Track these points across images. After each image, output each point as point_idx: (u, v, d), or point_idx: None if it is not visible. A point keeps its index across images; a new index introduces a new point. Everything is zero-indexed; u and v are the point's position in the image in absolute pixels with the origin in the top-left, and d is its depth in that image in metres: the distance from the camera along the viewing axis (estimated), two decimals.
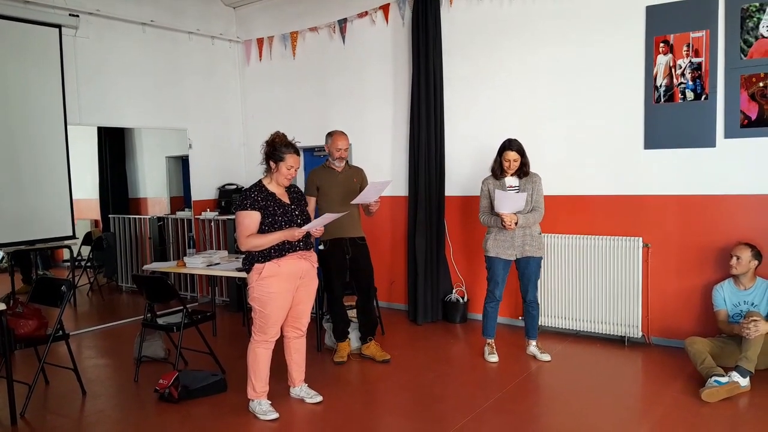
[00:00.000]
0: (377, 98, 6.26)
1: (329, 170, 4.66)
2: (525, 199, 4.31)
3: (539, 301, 4.71)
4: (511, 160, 4.35)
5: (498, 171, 4.45)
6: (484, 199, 4.51)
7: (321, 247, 4.59)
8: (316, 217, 4.07)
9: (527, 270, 4.50)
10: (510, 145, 4.36)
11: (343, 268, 4.63)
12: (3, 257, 6.10)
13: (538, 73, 5.22)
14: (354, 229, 4.64)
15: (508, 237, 4.43)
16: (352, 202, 4.46)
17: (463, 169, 5.70)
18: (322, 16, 6.54)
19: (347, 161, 4.72)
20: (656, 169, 4.74)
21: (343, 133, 4.65)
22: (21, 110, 5.45)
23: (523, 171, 4.40)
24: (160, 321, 4.51)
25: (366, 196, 4.42)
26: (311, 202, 4.59)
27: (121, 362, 4.89)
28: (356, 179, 4.69)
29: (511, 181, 4.44)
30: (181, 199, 7.37)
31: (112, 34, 6.13)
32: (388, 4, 5.97)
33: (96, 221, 7.68)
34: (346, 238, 4.59)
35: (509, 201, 4.27)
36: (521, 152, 4.36)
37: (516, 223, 4.30)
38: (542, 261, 4.59)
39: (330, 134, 4.64)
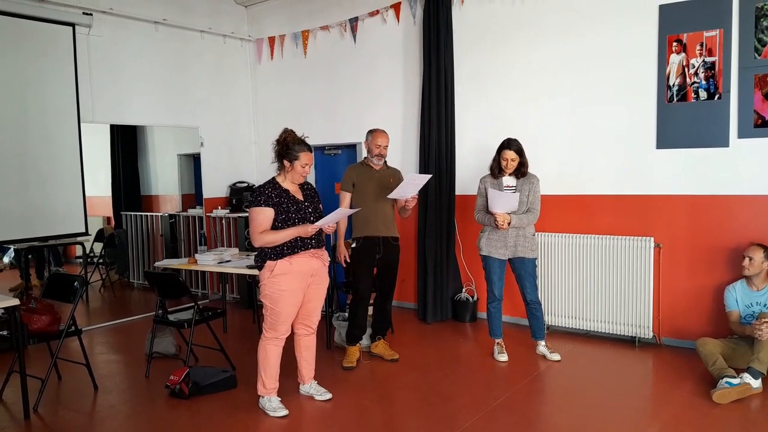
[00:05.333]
0: (388, 97, 6.26)
1: (367, 167, 4.60)
2: (518, 200, 4.30)
3: (541, 301, 4.67)
4: (508, 159, 4.34)
5: (496, 170, 4.45)
6: (480, 198, 4.51)
7: (354, 245, 4.54)
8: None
9: (522, 271, 4.49)
10: (509, 144, 4.36)
11: (371, 267, 4.56)
12: (13, 255, 6.16)
13: (550, 72, 5.20)
14: (387, 228, 4.55)
15: (501, 236, 4.43)
16: (389, 196, 4.36)
17: (474, 167, 5.68)
18: (334, 14, 6.55)
19: (386, 161, 4.64)
20: (668, 169, 4.71)
21: (383, 131, 4.57)
22: (35, 108, 5.50)
23: (520, 171, 4.39)
24: (171, 317, 4.54)
25: (403, 191, 4.31)
26: (346, 198, 4.54)
27: (132, 358, 4.93)
28: (393, 179, 4.58)
29: (508, 180, 4.43)
30: (193, 196, 7.42)
31: (124, 33, 6.17)
32: (400, 2, 5.97)
33: (108, 218, 7.75)
34: (379, 237, 4.51)
35: (503, 201, 4.27)
36: (520, 152, 4.35)
37: (509, 223, 4.30)
38: (537, 261, 4.57)
39: (371, 131, 4.57)
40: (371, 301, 4.76)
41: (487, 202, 4.42)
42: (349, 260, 4.57)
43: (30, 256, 6.43)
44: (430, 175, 4.63)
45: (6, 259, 6.83)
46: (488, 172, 4.52)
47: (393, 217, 4.63)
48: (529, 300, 4.55)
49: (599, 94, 4.97)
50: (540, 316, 4.60)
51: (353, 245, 4.55)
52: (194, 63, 6.82)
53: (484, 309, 4.80)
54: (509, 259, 4.50)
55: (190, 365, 4.27)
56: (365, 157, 4.67)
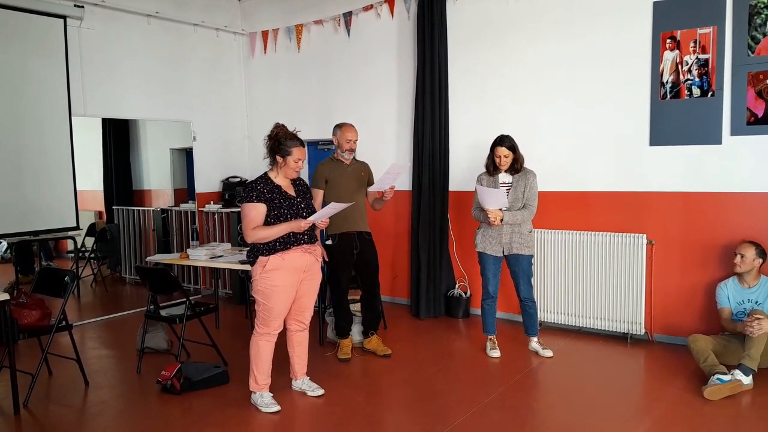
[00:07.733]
0: (381, 92, 6.24)
1: (338, 163, 4.57)
2: (505, 195, 4.30)
3: (535, 298, 4.68)
4: (501, 156, 4.34)
5: (491, 167, 4.45)
6: (477, 195, 4.51)
7: (328, 242, 4.52)
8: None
9: (516, 268, 4.49)
10: (501, 141, 4.36)
11: (350, 263, 4.56)
12: (5, 248, 6.13)
13: (544, 68, 5.19)
14: (362, 223, 4.55)
15: (496, 233, 4.42)
16: (370, 189, 4.33)
17: (467, 163, 5.69)
18: (328, 9, 6.52)
19: (354, 155, 4.66)
20: (661, 166, 4.72)
21: (352, 125, 4.56)
22: (26, 101, 5.45)
23: (515, 168, 4.39)
24: (163, 313, 4.52)
25: (383, 182, 4.30)
26: (318, 195, 4.50)
27: (123, 353, 4.91)
28: (364, 173, 4.61)
29: (504, 177, 4.43)
30: (185, 191, 7.39)
31: (116, 26, 6.12)
32: None
33: (100, 213, 7.71)
34: (354, 232, 4.51)
35: (490, 197, 4.26)
36: (513, 149, 4.35)
37: (501, 220, 4.29)
38: (533, 259, 4.57)
39: (339, 126, 4.56)
40: (357, 298, 4.76)
41: None
42: (327, 259, 4.53)
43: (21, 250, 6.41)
44: (408, 164, 4.59)
45: None
46: (484, 170, 4.52)
47: (365, 211, 4.62)
48: (523, 297, 4.55)
49: (592, 90, 4.97)
50: (533, 314, 4.60)
51: (328, 242, 4.52)
52: (187, 57, 6.77)
53: (478, 305, 4.80)
54: (505, 256, 4.51)
55: (181, 361, 4.25)
56: (334, 153, 4.63)
